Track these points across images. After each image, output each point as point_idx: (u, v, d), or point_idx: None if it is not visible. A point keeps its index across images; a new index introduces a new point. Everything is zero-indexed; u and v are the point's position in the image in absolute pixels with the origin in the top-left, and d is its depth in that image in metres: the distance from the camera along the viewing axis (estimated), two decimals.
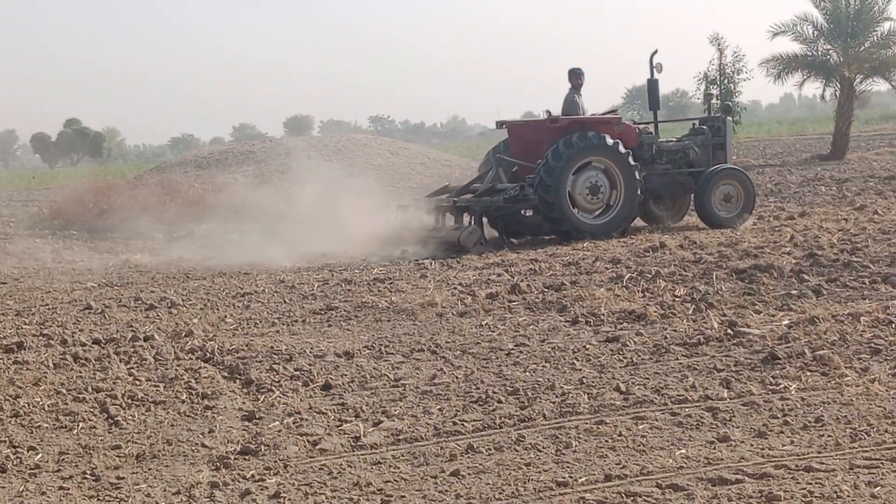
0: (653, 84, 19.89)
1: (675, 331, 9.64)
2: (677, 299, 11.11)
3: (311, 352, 9.58)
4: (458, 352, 9.37)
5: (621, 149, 18.32)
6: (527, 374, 8.39)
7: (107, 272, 17.32)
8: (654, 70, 19.70)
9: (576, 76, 19.83)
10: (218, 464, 6.48)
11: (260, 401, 7.99)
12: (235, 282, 14.91)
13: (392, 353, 9.46)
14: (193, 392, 8.33)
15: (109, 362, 9.62)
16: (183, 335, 10.77)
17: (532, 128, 19.76)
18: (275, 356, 9.47)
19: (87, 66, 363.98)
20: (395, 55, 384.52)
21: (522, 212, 18.89)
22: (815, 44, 41.17)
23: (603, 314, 10.59)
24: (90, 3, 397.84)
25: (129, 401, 8.14)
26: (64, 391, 8.55)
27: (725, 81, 41.32)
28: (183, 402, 8.09)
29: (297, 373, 8.77)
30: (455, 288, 12.93)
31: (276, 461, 6.47)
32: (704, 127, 20.50)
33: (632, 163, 18.39)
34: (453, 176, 19.68)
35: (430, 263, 15.46)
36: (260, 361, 9.29)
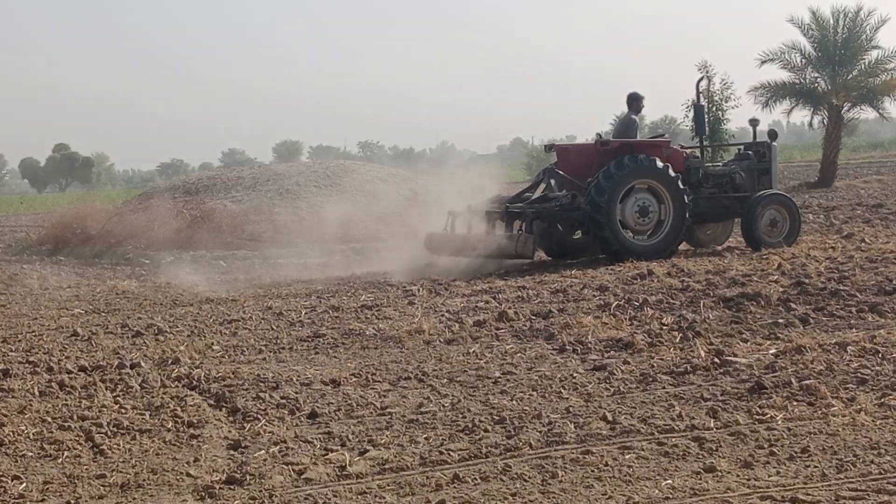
0: (699, 109, 20.28)
1: (662, 359, 9.63)
2: (665, 327, 11.11)
3: (297, 380, 9.55)
4: (445, 380, 9.35)
5: (671, 172, 18.54)
6: (514, 402, 8.37)
7: (94, 298, 17.28)
8: (701, 95, 19.93)
9: (635, 100, 20.00)
10: (203, 493, 6.45)
11: (246, 429, 7.96)
12: (223, 308, 14.89)
13: (379, 381, 9.44)
14: (179, 420, 8.30)
15: (95, 390, 9.57)
16: (170, 362, 10.73)
17: (581, 151, 19.92)
18: (261, 384, 9.44)
19: (76, 92, 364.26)
20: (384, 80, 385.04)
21: (571, 234, 19.21)
22: (804, 72, 41.28)
23: (590, 342, 10.57)
24: (78, 28, 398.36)
25: (115, 429, 8.11)
26: (49, 419, 8.51)
27: (714, 109, 41.35)
28: (168, 430, 8.05)
29: (284, 401, 8.74)
30: (443, 315, 12.91)
31: (261, 490, 6.45)
32: (750, 152, 20.67)
33: (681, 186, 18.58)
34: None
35: (418, 290, 15.44)
36: (246, 389, 9.26)
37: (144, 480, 6.77)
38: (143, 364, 10.67)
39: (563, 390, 8.69)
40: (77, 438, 7.90)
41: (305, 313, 13.76)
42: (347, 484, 6.53)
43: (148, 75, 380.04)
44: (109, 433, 8.01)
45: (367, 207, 28.01)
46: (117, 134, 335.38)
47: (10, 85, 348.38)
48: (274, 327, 12.87)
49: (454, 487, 6.36)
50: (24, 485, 6.78)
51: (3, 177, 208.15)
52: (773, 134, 20.79)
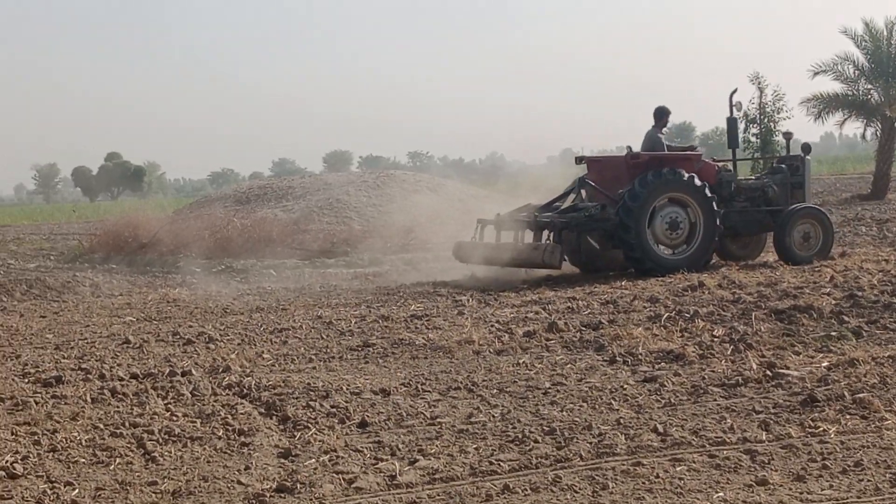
0: (732, 122, 20.12)
1: (713, 371, 9.57)
2: (716, 339, 11.04)
3: (347, 389, 9.57)
4: (495, 390, 9.33)
5: (703, 187, 18.45)
6: (564, 413, 8.35)
7: (145, 306, 17.40)
8: (734, 109, 19.83)
9: (661, 115, 19.97)
10: (254, 501, 6.47)
11: (296, 438, 7.98)
12: (273, 317, 14.95)
13: (429, 391, 9.44)
14: (230, 428, 8.33)
15: (147, 397, 9.64)
16: (220, 370, 10.79)
17: (612, 163, 19.82)
18: (311, 393, 9.46)
19: (129, 101, 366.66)
20: (434, 91, 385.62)
21: (597, 246, 19.15)
22: (856, 83, 40.96)
23: (641, 354, 10.53)
24: (132, 40, 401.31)
25: (166, 436, 8.15)
26: (101, 426, 8.58)
27: (765, 120, 41.11)
28: (219, 438, 8.09)
29: (334, 410, 8.76)
30: (492, 325, 12.90)
31: (311, 499, 6.46)
32: (783, 165, 20.53)
33: (714, 202, 18.52)
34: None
35: (468, 300, 15.44)
36: (297, 398, 9.28)
37: (195, 488, 6.79)
38: (194, 372, 10.73)
39: (613, 402, 8.65)
40: (129, 445, 7.95)
41: (355, 322, 13.79)
42: (397, 493, 6.53)
43: (199, 86, 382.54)
44: (161, 440, 8.05)
45: (417, 217, 28.05)
46: (169, 143, 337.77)
47: (64, 94, 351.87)
48: (324, 336, 12.90)
49: (504, 498, 6.35)
50: (77, 491, 6.83)
51: (57, 185, 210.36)
52: (806, 148, 20.57)
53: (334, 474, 6.95)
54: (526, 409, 8.58)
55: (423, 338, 12.20)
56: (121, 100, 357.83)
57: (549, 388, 9.29)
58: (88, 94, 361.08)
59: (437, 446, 7.55)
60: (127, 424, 8.59)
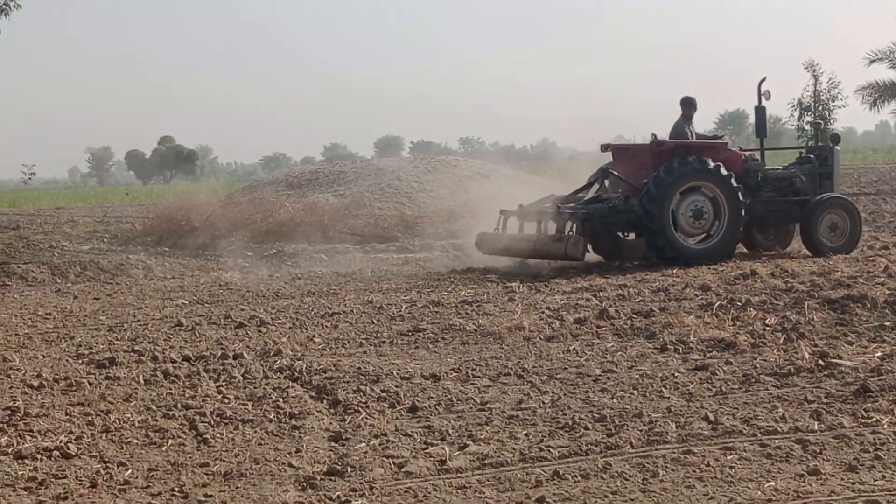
0: (760, 111, 19.89)
1: (765, 360, 9.53)
2: (768, 328, 10.98)
3: (398, 373, 9.60)
4: (545, 377, 9.33)
5: (727, 175, 18.33)
6: (614, 400, 8.34)
7: (197, 289, 17.51)
8: (763, 97, 19.64)
9: (688, 105, 19.87)
10: (304, 484, 6.51)
11: (347, 421, 8.02)
12: (324, 301, 15.00)
13: (479, 377, 9.45)
14: (281, 411, 8.38)
15: (199, 380, 9.72)
16: (272, 354, 10.85)
17: (637, 151, 19.67)
18: (362, 377, 9.50)
19: (182, 85, 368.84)
20: (485, 76, 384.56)
21: (623, 235, 19.01)
22: None
23: (692, 342, 10.49)
24: (182, 24, 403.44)
25: (218, 419, 8.21)
26: (154, 407, 8.65)
27: (820, 108, 40.83)
28: (271, 421, 8.14)
29: (384, 394, 8.79)
30: (543, 312, 12.89)
31: (361, 483, 6.48)
32: (812, 156, 20.34)
33: (739, 191, 18.37)
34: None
35: (518, 287, 15.43)
36: (347, 382, 9.32)
37: (247, 470, 6.84)
38: (245, 355, 10.80)
39: (664, 389, 8.63)
40: (181, 427, 8.01)
41: (406, 307, 13.82)
42: (447, 478, 6.55)
43: (251, 70, 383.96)
44: (213, 422, 8.11)
45: (468, 203, 28.01)
46: (221, 127, 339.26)
47: (117, 79, 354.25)
48: (375, 321, 12.94)
49: (554, 484, 6.35)
50: (130, 471, 6.89)
51: (110, 168, 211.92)
52: (835, 138, 20.35)
53: (384, 458, 6.98)
54: (576, 395, 8.58)
55: (473, 323, 12.21)
56: (174, 84, 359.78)
57: (600, 375, 9.28)
58: (142, 78, 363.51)
59: (487, 432, 7.56)
60: (179, 406, 8.66)
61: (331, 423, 8.01)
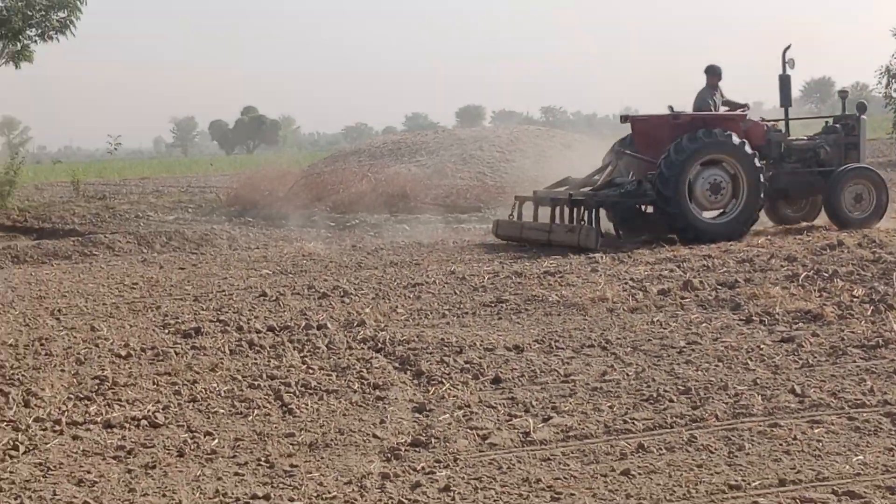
0: (784, 80, 19.38)
1: (852, 332, 9.41)
2: (855, 300, 10.84)
3: (481, 344, 9.60)
4: (629, 348, 9.29)
5: (747, 148, 17.92)
6: (699, 373, 8.28)
7: (281, 260, 17.61)
8: (787, 66, 19.22)
9: (712, 74, 19.55)
10: (389, 455, 6.53)
11: (430, 392, 8.04)
12: (407, 272, 15.04)
13: (562, 348, 9.43)
14: (365, 382, 8.42)
15: (283, 350, 9.79)
16: (355, 325, 10.90)
17: (655, 123, 19.21)
18: (445, 348, 9.51)
19: (264, 54, 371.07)
20: (566, 44, 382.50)
21: (643, 208, 18.65)
22: None
23: (778, 313, 10.39)
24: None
25: (303, 389, 8.27)
26: (239, 377, 8.73)
27: None
28: (355, 391, 8.18)
29: (468, 365, 8.80)
30: (626, 283, 12.82)
31: (446, 454, 6.50)
32: (837, 125, 19.88)
33: (757, 164, 17.96)
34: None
35: (601, 257, 15.36)
36: (430, 353, 9.34)
37: (331, 440, 6.88)
38: (329, 325, 10.86)
39: (749, 361, 8.56)
40: (266, 397, 8.08)
41: (489, 278, 13.81)
42: (531, 450, 6.55)
43: (333, 39, 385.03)
44: (297, 393, 8.17)
45: (550, 173, 27.90)
46: (303, 97, 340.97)
47: (201, 48, 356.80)
48: (457, 292, 12.94)
49: (639, 457, 6.32)
50: (216, 441, 6.96)
51: (194, 138, 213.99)
52: (861, 107, 19.75)
53: (468, 430, 6.99)
54: (660, 367, 8.54)
55: (556, 294, 12.18)
56: (257, 52, 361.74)
57: (684, 346, 9.22)
58: (224, 49, 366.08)
59: (570, 404, 7.54)
60: (264, 376, 8.73)
61: (414, 395, 8.04)
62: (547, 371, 8.56)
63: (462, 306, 11.88)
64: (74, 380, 8.79)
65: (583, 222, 17.45)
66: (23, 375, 8.93)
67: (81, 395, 8.25)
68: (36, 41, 30.10)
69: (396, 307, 11.95)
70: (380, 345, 9.82)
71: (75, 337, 10.80)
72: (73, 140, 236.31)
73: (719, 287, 12.15)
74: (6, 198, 32.20)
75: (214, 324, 11.26)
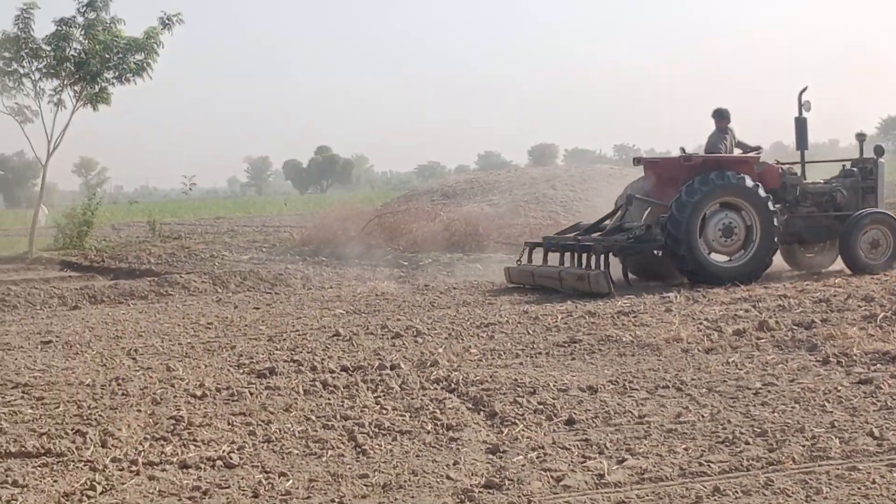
0: (801, 123, 19.11)
1: None
2: None
3: (554, 385, 9.57)
4: (704, 389, 9.21)
5: (761, 191, 17.74)
6: (775, 414, 8.20)
7: (355, 299, 17.68)
8: (803, 108, 18.98)
9: (720, 117, 19.36)
10: (462, 497, 6.51)
11: (504, 434, 8.01)
12: (479, 311, 15.04)
13: (636, 389, 9.37)
14: (438, 423, 8.41)
15: (357, 390, 9.81)
16: (428, 365, 10.90)
17: (667, 166, 19.09)
18: (518, 388, 9.48)
19: (338, 96, 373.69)
20: (639, 82, 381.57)
21: (655, 251, 18.36)
22: None
23: (855, 354, 10.26)
24: (338, 34, 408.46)
25: (376, 429, 8.27)
26: (313, 418, 8.75)
27: None
28: (428, 432, 8.17)
29: (541, 406, 8.76)
30: (701, 323, 12.74)
31: (520, 496, 6.46)
32: (854, 169, 19.55)
33: (770, 206, 17.76)
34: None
35: (675, 297, 15.29)
36: (504, 394, 9.32)
37: (405, 482, 6.87)
38: (402, 365, 10.88)
39: (826, 403, 8.46)
40: (340, 437, 8.09)
41: (562, 318, 13.78)
42: (605, 492, 6.50)
43: (405, 79, 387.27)
44: (371, 433, 8.17)
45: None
46: (376, 136, 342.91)
47: (276, 89, 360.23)
48: (530, 331, 12.92)
49: (714, 500, 6.26)
50: (291, 482, 6.98)
51: (268, 177, 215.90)
52: (879, 150, 19.32)
53: (542, 472, 6.96)
54: (736, 409, 8.45)
55: (630, 334, 12.13)
56: (330, 94, 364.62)
57: (760, 388, 9.13)
58: (299, 90, 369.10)
59: (645, 445, 7.49)
60: (338, 417, 8.75)
61: (488, 436, 8.02)
62: (621, 412, 8.51)
63: (535, 346, 11.86)
64: (150, 420, 8.86)
65: (590, 268, 17.17)
66: (100, 415, 9.02)
67: (157, 436, 8.32)
68: (113, 83, 30.54)
69: (469, 347, 11.95)
70: (453, 385, 9.81)
71: (151, 377, 10.89)
72: (149, 180, 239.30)
73: (795, 327, 12.04)
74: (84, 238, 32.72)
75: (288, 364, 11.32)
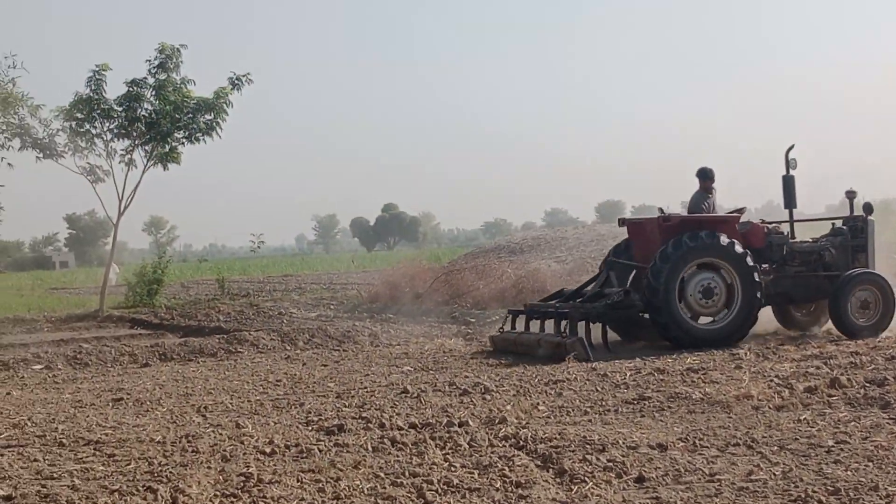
0: (788, 181, 18.82)
1: None
2: None
3: (624, 442, 9.51)
4: (776, 447, 9.12)
5: (736, 247, 17.47)
6: (848, 473, 8.10)
7: (422, 356, 17.71)
8: (790, 166, 18.75)
9: (704, 177, 19.12)
10: None
11: (573, 491, 7.97)
12: (548, 369, 15.00)
13: (707, 447, 9.30)
14: (507, 480, 8.38)
15: (425, 447, 9.80)
16: (496, 422, 10.88)
17: (647, 226, 18.92)
18: (588, 446, 9.44)
19: (403, 154, 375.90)
20: (704, 137, 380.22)
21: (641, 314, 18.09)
22: None
23: None
24: (402, 96, 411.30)
25: (445, 487, 8.25)
26: (382, 475, 8.75)
27: None
28: (497, 489, 8.14)
29: (611, 464, 8.71)
30: (771, 380, 12.63)
31: None
32: (844, 227, 19.24)
33: (749, 262, 17.46)
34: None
35: (745, 354, 15.18)
36: (573, 451, 9.27)
37: None
38: (470, 422, 10.86)
39: None
40: (409, 495, 8.08)
41: (630, 375, 13.72)
42: None
43: (472, 139, 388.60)
44: (440, 490, 8.16)
45: None
46: (443, 194, 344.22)
47: (342, 148, 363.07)
48: (599, 388, 12.87)
49: None
50: None
51: (336, 235, 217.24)
52: (868, 208, 18.91)
53: None
54: (808, 467, 8.37)
55: (699, 392, 12.04)
56: (396, 152, 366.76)
57: (833, 446, 9.03)
58: (364, 147, 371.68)
59: None
60: (407, 474, 8.74)
61: (557, 493, 7.98)
62: (692, 470, 8.44)
63: (604, 403, 11.81)
64: (220, 477, 8.90)
65: (565, 335, 16.80)
66: (170, 472, 9.07)
67: (227, 493, 8.35)
68: (183, 143, 30.88)
69: (538, 404, 11.92)
70: (521, 442, 9.77)
71: (221, 434, 10.95)
72: (218, 238, 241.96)
73: (868, 385, 11.90)
74: (154, 296, 33.05)
75: (357, 421, 11.33)
